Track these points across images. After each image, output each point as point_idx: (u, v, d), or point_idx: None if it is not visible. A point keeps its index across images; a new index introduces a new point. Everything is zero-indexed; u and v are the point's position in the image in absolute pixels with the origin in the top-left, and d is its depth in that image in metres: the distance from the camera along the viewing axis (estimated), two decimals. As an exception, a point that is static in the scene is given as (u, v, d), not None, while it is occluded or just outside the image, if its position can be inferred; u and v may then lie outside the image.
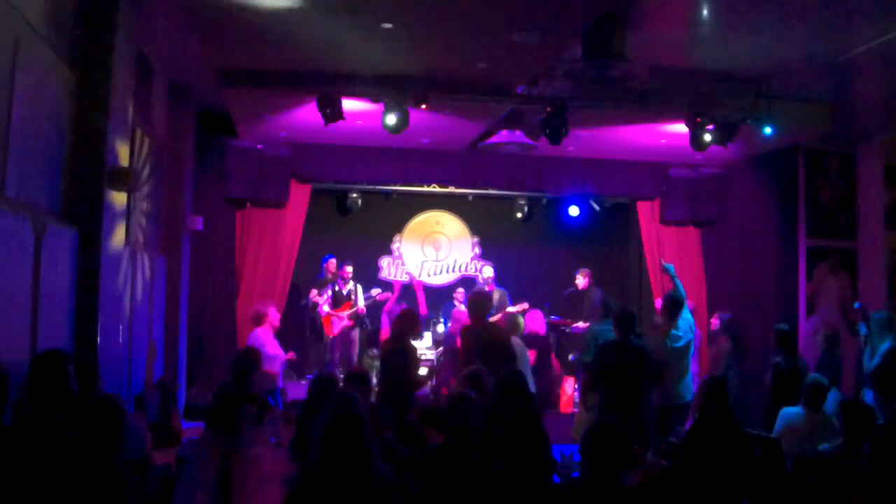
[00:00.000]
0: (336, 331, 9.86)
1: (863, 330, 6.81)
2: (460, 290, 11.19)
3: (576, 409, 7.26)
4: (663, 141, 8.89)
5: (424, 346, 10.19)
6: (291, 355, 8.19)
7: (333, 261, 10.28)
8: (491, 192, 11.01)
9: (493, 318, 7.85)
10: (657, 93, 7.36)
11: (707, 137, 7.76)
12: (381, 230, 11.86)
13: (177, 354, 8.22)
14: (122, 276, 5.77)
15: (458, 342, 6.97)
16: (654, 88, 7.28)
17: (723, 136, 7.77)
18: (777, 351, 6.84)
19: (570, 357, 7.52)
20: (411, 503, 3.39)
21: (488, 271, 10.27)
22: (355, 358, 10.13)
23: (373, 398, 6.01)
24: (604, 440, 3.11)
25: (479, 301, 6.86)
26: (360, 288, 10.02)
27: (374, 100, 7.23)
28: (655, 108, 7.59)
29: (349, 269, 9.96)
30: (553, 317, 9.77)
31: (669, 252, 10.37)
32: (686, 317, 6.78)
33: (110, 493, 3.14)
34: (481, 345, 6.27)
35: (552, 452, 4.44)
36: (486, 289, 9.59)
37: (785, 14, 5.56)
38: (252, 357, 5.76)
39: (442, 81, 7.04)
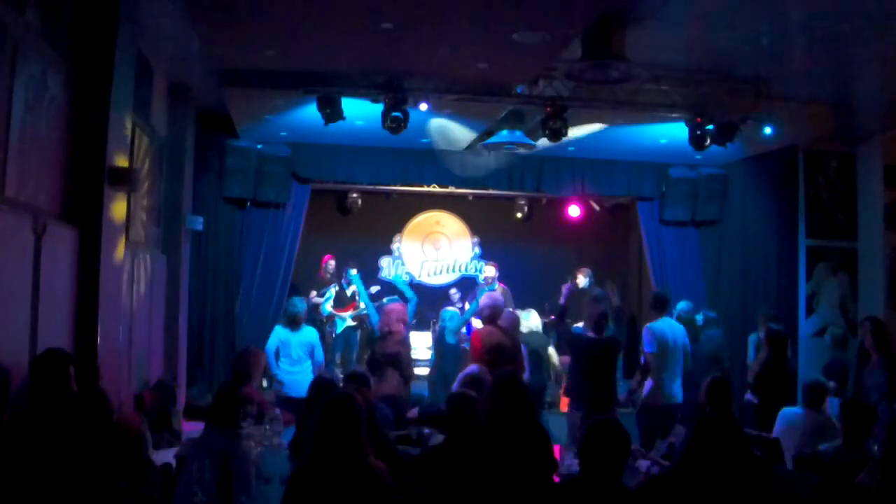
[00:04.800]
0: (337, 331, 9.86)
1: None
2: (453, 290, 11.23)
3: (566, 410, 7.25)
4: (663, 141, 8.88)
5: (424, 346, 10.20)
6: None
7: (332, 261, 10.26)
8: (491, 192, 11.01)
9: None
10: (657, 93, 7.36)
11: (707, 137, 7.75)
12: (381, 230, 11.85)
13: (177, 354, 8.22)
14: (122, 276, 5.77)
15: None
16: (654, 88, 7.28)
17: (723, 136, 7.76)
18: (768, 350, 6.80)
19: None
20: (413, 503, 3.39)
21: (490, 270, 10.25)
22: (355, 358, 10.13)
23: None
24: (603, 439, 3.11)
25: (491, 305, 6.95)
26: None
27: (374, 100, 7.22)
28: (655, 108, 7.58)
29: (353, 270, 9.91)
30: (553, 317, 9.75)
31: (669, 252, 10.37)
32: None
33: (109, 491, 3.14)
34: (491, 346, 6.44)
35: (552, 451, 4.44)
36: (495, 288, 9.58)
37: (785, 14, 5.55)
38: (252, 357, 5.75)
39: (442, 81, 7.04)
